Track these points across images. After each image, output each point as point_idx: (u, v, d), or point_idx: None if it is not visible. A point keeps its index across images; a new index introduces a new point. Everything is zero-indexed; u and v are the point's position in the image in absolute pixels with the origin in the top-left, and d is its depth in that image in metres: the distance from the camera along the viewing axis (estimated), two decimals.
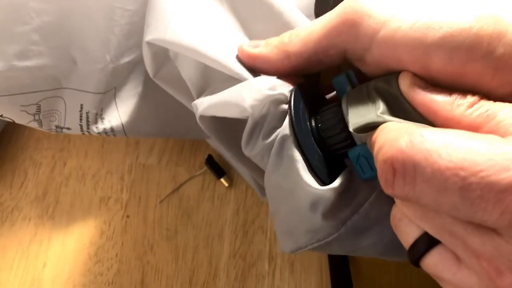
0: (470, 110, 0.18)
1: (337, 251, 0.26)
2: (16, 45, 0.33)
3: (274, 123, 0.25)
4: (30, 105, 0.37)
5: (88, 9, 0.34)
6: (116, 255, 0.44)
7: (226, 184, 0.45)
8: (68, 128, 0.40)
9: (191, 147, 0.47)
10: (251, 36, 0.31)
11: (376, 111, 0.20)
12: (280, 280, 0.42)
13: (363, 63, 0.22)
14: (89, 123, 0.40)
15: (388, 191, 0.18)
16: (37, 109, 0.38)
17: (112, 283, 0.43)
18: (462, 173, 0.15)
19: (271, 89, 0.25)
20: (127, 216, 0.45)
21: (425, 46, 0.19)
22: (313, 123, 0.24)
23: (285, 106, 0.25)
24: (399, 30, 0.20)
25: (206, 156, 0.46)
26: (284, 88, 0.25)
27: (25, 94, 0.36)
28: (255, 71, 0.27)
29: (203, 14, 0.30)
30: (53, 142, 0.48)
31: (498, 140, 0.16)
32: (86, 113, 0.39)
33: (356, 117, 0.21)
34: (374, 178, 0.21)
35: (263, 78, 0.27)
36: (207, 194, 0.45)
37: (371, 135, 0.20)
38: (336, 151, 0.23)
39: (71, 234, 0.45)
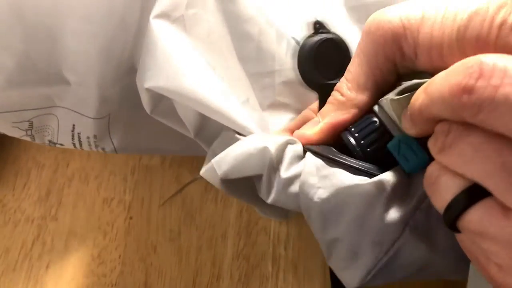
0: None
1: (409, 269, 0.23)
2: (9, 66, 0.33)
3: (293, 160, 0.25)
4: (22, 121, 0.37)
5: (78, 33, 0.33)
6: (119, 257, 0.44)
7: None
8: (61, 144, 0.40)
9: None
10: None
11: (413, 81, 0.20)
12: (284, 281, 0.42)
13: (415, 70, 0.22)
14: (81, 143, 0.40)
15: (463, 96, 0.16)
16: (29, 125, 0.38)
17: (115, 284, 0.43)
18: None
19: (283, 137, 0.26)
20: (130, 218, 0.45)
21: (457, 28, 0.19)
22: (349, 137, 0.24)
23: (299, 147, 0.26)
24: (436, 25, 0.20)
25: None
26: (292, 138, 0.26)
27: (16, 112, 0.36)
28: (263, 126, 0.28)
29: (204, 68, 0.30)
30: None
31: None
32: (78, 133, 0.39)
33: (392, 92, 0.21)
34: (418, 167, 0.21)
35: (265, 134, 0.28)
36: (210, 195, 0.45)
37: (408, 104, 0.20)
38: (378, 152, 0.23)
39: (74, 235, 0.45)
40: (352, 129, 0.24)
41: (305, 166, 0.25)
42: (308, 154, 0.25)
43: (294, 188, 0.25)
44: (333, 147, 0.25)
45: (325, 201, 0.24)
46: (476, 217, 0.17)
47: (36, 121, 0.38)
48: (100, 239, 0.44)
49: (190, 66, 0.30)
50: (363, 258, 0.24)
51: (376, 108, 0.23)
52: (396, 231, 0.22)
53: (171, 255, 0.43)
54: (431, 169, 0.20)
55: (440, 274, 0.24)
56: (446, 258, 0.23)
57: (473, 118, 0.16)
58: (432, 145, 0.19)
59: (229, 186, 0.28)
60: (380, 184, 0.22)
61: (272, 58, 0.32)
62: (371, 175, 0.22)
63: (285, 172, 0.25)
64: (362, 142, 0.23)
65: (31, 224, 0.45)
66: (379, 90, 0.24)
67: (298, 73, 0.31)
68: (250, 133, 0.29)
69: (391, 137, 0.22)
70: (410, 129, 0.20)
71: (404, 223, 0.22)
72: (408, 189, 0.22)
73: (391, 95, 0.22)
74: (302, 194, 0.25)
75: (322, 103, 0.27)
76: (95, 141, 0.39)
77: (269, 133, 0.32)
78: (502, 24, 0.18)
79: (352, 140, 0.23)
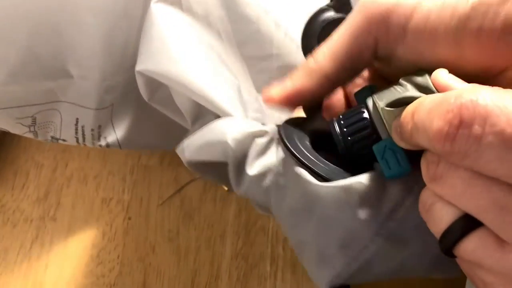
0: None
1: (381, 272, 0.23)
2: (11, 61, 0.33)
3: (258, 154, 0.25)
4: (25, 117, 0.37)
5: (83, 27, 0.33)
6: (118, 257, 0.44)
7: (226, 188, 0.45)
8: (64, 140, 0.40)
9: None
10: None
11: (407, 91, 0.20)
12: (282, 281, 0.42)
13: (393, 59, 0.22)
14: (85, 137, 0.40)
15: (445, 144, 0.16)
16: (32, 121, 0.38)
17: (114, 284, 0.43)
18: None
19: (252, 126, 0.25)
20: (129, 218, 0.45)
21: (457, 18, 0.19)
22: (337, 128, 0.23)
23: (265, 140, 0.25)
24: (432, 12, 0.19)
25: None
26: (264, 127, 0.25)
27: (20, 107, 0.36)
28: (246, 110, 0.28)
29: (197, 51, 0.30)
30: (55, 143, 0.48)
31: None
32: (82, 127, 0.39)
33: (387, 97, 0.21)
34: (398, 176, 0.20)
35: (240, 118, 0.28)
36: (209, 195, 0.45)
37: (399, 115, 0.19)
38: (363, 150, 0.22)
39: (73, 235, 0.45)
40: (342, 122, 0.22)
41: (276, 165, 0.24)
42: (280, 149, 0.25)
43: (263, 184, 0.25)
44: (317, 131, 0.26)
45: (294, 202, 0.23)
46: (470, 247, 0.17)
47: (39, 116, 0.38)
48: (99, 239, 0.44)
49: (182, 51, 0.30)
50: (332, 261, 0.23)
51: (370, 103, 0.22)
52: (365, 238, 0.22)
53: (169, 255, 0.43)
54: (425, 195, 0.19)
55: (418, 274, 0.24)
56: (423, 262, 0.23)
57: (459, 162, 0.16)
58: (424, 171, 0.18)
59: (197, 168, 0.28)
60: (351, 188, 0.21)
61: (270, 42, 0.32)
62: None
63: (250, 168, 0.25)
64: (348, 138, 0.22)
65: (30, 225, 0.45)
66: (353, 65, 0.23)
67: (296, 56, 0.31)
68: (231, 115, 0.29)
69: (378, 138, 0.21)
70: (398, 142, 0.20)
71: (374, 230, 0.22)
72: (382, 195, 0.21)
73: (386, 96, 0.21)
74: (272, 193, 0.25)
75: None
76: (98, 132, 0.39)
77: (266, 116, 0.32)
78: (508, 17, 0.17)
79: (339, 134, 0.22)
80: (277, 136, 0.25)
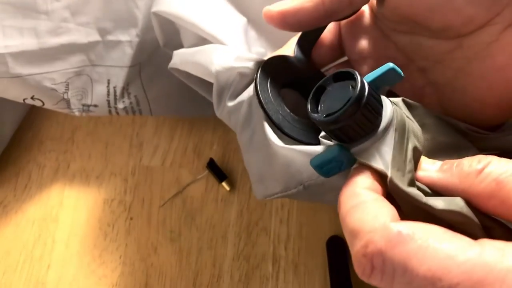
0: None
1: (305, 200, 0.30)
2: (48, 22, 0.36)
3: (237, 90, 0.28)
4: (59, 83, 0.39)
5: None
6: (120, 257, 0.44)
7: (228, 188, 0.45)
8: (95, 106, 0.41)
9: (195, 148, 0.47)
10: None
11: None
12: (284, 282, 0.42)
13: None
14: (116, 98, 0.41)
15: (363, 278, 0.18)
16: (66, 87, 0.39)
17: (116, 285, 0.43)
18: (439, 284, 0.15)
19: (238, 59, 0.27)
20: (131, 218, 0.45)
21: None
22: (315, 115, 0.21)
23: (247, 79, 0.27)
24: None
25: (208, 159, 0.46)
26: (249, 62, 0.27)
27: (55, 72, 0.38)
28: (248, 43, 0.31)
29: None
30: (56, 144, 0.48)
31: (473, 246, 0.16)
32: (114, 87, 0.41)
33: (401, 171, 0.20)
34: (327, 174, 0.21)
35: (232, 48, 0.30)
36: (211, 195, 0.45)
37: (363, 169, 0.20)
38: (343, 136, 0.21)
39: (75, 236, 0.45)
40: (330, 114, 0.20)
41: (250, 99, 0.27)
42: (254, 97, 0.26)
43: (237, 114, 0.28)
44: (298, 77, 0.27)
45: (256, 141, 0.28)
46: None
47: (72, 81, 0.40)
48: (101, 240, 0.45)
49: None
50: (267, 187, 0.29)
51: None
52: (294, 186, 0.26)
53: (171, 256, 0.44)
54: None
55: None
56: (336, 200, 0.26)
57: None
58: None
59: (181, 73, 0.34)
60: (307, 153, 0.23)
61: None
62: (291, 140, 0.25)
63: (229, 101, 0.28)
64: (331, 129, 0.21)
65: (32, 225, 0.45)
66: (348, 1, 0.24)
67: None
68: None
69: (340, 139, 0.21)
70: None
71: (300, 184, 0.26)
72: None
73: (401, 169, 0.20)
74: (242, 124, 0.28)
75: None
76: (128, 91, 0.41)
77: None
78: None
79: (315, 114, 0.21)
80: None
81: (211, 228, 0.44)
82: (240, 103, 0.28)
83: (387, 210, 0.18)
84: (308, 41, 0.29)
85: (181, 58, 0.33)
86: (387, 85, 0.21)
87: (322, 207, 0.43)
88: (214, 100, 0.29)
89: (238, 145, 0.48)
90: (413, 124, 0.22)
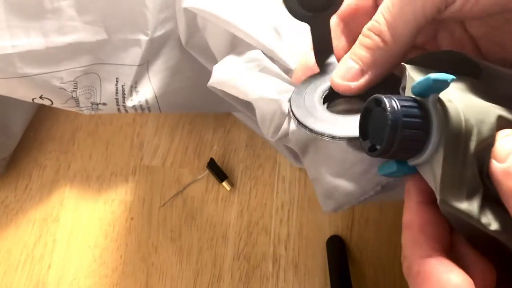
0: None
1: (375, 200, 0.29)
2: (54, 21, 0.36)
3: (276, 128, 0.28)
4: (67, 82, 0.39)
5: None
6: (121, 257, 0.44)
7: (228, 188, 0.45)
8: (104, 104, 0.42)
9: (195, 148, 0.47)
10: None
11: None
12: (284, 281, 0.42)
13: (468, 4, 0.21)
14: (125, 96, 0.41)
15: None
16: (74, 86, 0.39)
17: (116, 284, 0.43)
18: None
19: (279, 93, 0.28)
20: (132, 218, 0.45)
21: None
22: (389, 102, 0.20)
23: (279, 116, 0.28)
24: None
25: (209, 159, 0.46)
26: (280, 95, 0.28)
27: (63, 71, 0.38)
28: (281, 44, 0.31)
29: None
30: (57, 144, 0.49)
31: None
32: (122, 86, 0.41)
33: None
34: (387, 173, 0.21)
35: (270, 82, 0.30)
36: (211, 195, 0.45)
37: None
38: (406, 143, 0.20)
39: (76, 236, 0.45)
40: (395, 100, 0.19)
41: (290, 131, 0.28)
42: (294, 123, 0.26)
43: (284, 142, 0.30)
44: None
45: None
46: None
47: (80, 80, 0.40)
48: (101, 239, 0.45)
49: None
50: (338, 198, 0.29)
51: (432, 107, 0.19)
52: (370, 190, 0.27)
53: (172, 255, 0.44)
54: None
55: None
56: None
57: None
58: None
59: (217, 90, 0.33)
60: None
61: None
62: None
63: (271, 137, 0.29)
64: (403, 119, 0.19)
65: (33, 225, 0.46)
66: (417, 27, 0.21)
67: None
68: (270, 50, 0.31)
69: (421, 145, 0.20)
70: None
71: (379, 184, 0.27)
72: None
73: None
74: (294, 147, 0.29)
75: (314, 37, 0.26)
76: (136, 89, 0.41)
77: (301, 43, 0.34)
78: None
79: (390, 106, 0.19)
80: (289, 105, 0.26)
81: (212, 228, 0.44)
82: (283, 135, 0.28)
83: None
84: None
85: (219, 80, 0.32)
86: (436, 92, 0.19)
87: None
88: (265, 125, 0.30)
89: (238, 145, 0.48)
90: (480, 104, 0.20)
